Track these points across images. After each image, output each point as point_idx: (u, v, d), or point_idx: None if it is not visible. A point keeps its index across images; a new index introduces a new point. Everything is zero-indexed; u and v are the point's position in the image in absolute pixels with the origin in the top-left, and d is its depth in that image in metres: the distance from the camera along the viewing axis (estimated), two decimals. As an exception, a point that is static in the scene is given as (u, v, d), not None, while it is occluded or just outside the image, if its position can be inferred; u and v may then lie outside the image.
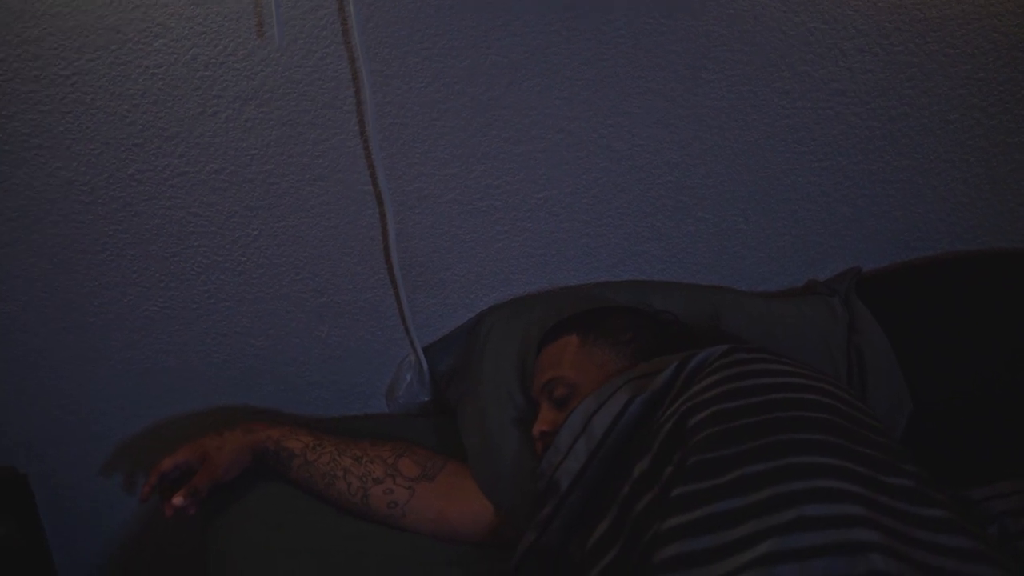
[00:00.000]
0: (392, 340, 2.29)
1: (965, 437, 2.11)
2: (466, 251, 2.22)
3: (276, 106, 1.99)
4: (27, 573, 2.31)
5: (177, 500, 1.93)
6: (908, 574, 1.41)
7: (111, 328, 2.16)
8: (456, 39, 1.99)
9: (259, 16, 1.93)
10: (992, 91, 2.24)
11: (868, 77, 2.17)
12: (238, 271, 2.15)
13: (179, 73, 1.94)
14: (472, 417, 2.14)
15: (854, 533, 1.45)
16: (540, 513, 1.81)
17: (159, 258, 2.11)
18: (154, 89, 1.94)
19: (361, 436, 2.14)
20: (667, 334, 2.05)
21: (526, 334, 2.16)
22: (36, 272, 2.08)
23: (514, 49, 2.02)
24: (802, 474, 1.52)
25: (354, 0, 1.92)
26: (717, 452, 1.58)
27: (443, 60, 2.01)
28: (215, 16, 1.92)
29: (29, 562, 2.28)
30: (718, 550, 1.48)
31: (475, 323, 2.26)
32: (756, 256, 2.32)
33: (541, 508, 1.82)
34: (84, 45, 1.88)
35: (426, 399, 2.35)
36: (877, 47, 2.14)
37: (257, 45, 1.92)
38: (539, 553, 1.81)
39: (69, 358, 2.18)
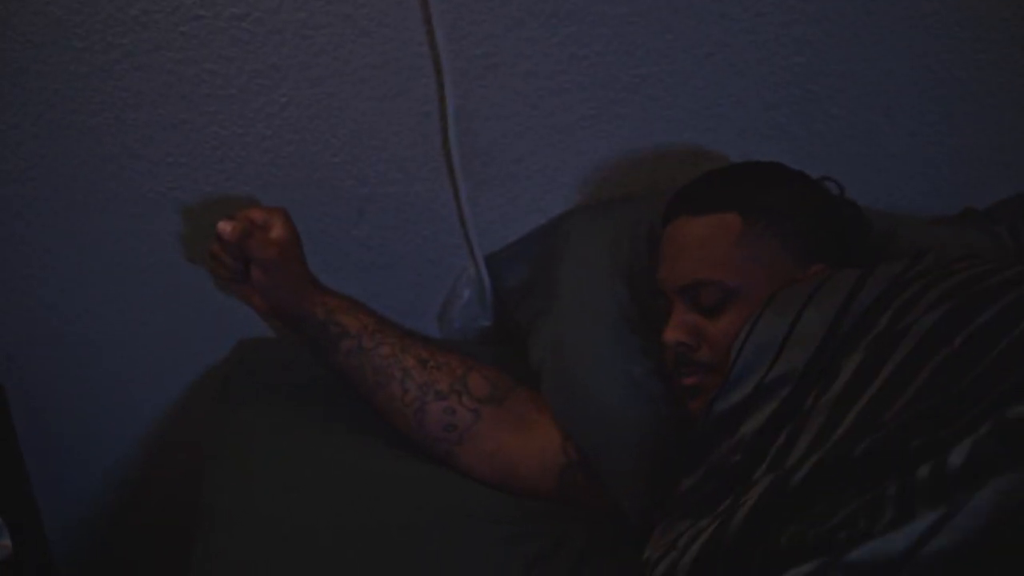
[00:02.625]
0: (447, 247, 2.06)
1: None
2: (542, 138, 1.98)
3: (312, -66, 1.76)
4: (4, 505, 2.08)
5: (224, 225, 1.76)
6: None
7: (106, 211, 1.96)
8: None
9: None
10: None
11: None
12: (262, 148, 1.93)
13: None
14: (549, 341, 1.88)
15: None
16: (739, 431, 1.50)
17: (166, 126, 1.89)
18: (162, -96, 1.71)
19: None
20: (848, 230, 1.74)
21: (616, 240, 1.90)
22: (17, 137, 1.87)
23: None
24: None
25: None
26: None
27: None
28: None
29: (6, 491, 2.07)
30: None
31: (551, 228, 2.02)
32: (900, 168, 2.08)
33: (732, 428, 1.51)
34: None
35: (487, 323, 2.13)
36: None
37: None
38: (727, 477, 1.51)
39: (55, 246, 1.99)
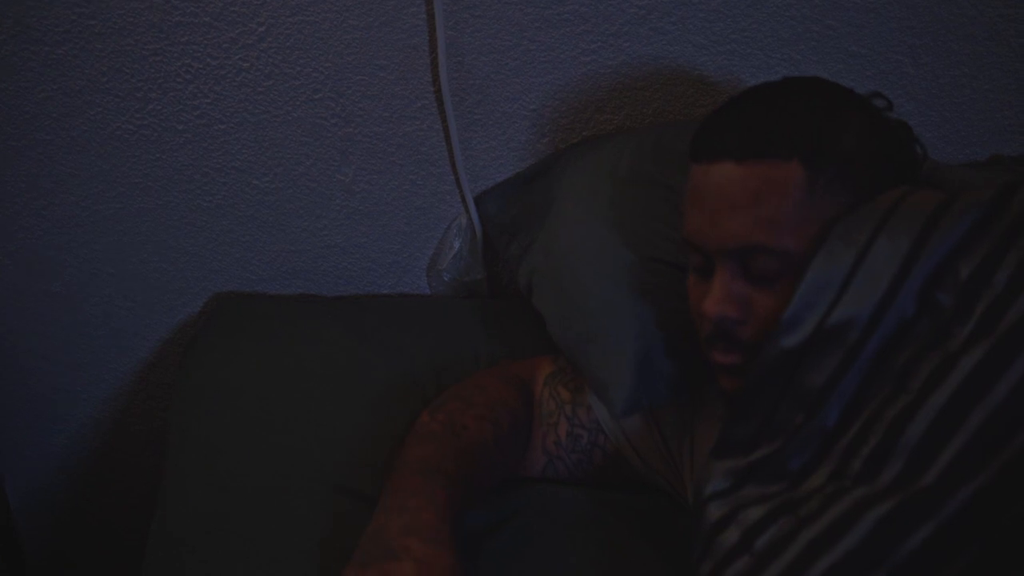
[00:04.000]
0: (437, 193, 1.98)
1: None
2: (540, 74, 1.89)
3: None
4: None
5: None
6: None
7: (72, 150, 1.90)
8: None
9: None
10: None
11: None
12: (238, 82, 1.86)
13: None
14: (541, 252, 1.82)
15: None
16: (801, 381, 1.36)
17: (135, 57, 1.82)
18: None
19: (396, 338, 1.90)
20: (908, 157, 1.54)
21: (615, 169, 1.78)
22: (-28, 68, 1.81)
23: None
24: None
25: None
26: None
27: None
28: None
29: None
30: None
31: (546, 161, 1.93)
32: (925, 113, 1.98)
33: (791, 375, 1.37)
34: None
35: (478, 276, 2.05)
36: None
37: None
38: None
39: (16, 189, 1.93)
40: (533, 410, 1.70)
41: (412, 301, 2.04)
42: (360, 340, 1.88)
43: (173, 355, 2.05)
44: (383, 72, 1.87)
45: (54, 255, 1.98)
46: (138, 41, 1.80)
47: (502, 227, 1.94)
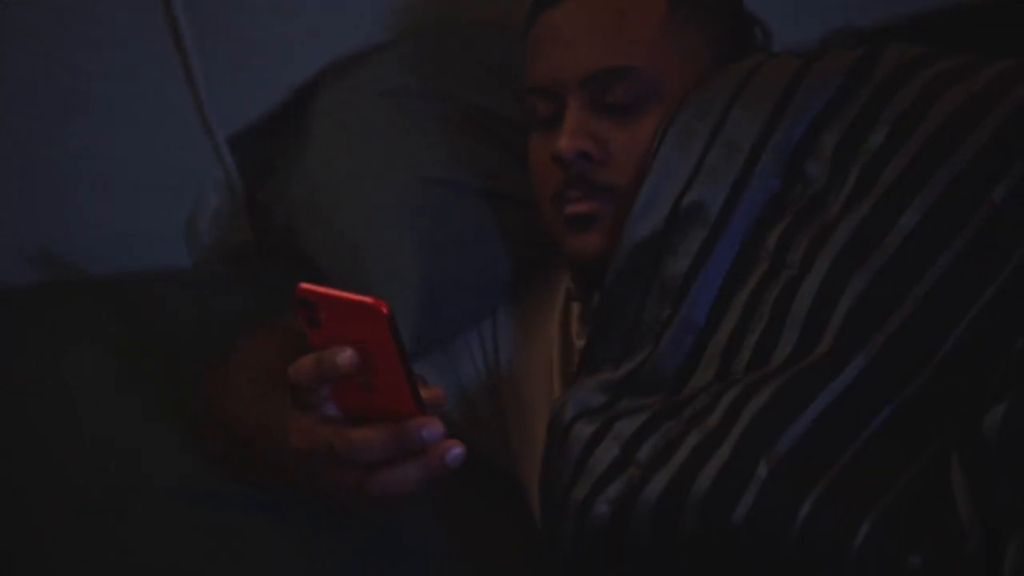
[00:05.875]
0: (185, 145, 1.90)
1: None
2: None
3: None
4: None
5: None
6: None
7: None
8: None
9: None
10: None
11: None
12: None
13: None
14: (305, 205, 1.77)
15: None
16: (661, 271, 1.35)
17: None
18: None
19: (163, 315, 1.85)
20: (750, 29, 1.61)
21: (377, 84, 1.76)
22: None
23: None
24: None
25: None
26: None
27: None
28: None
29: None
30: None
31: (301, 90, 1.88)
32: None
33: (651, 266, 1.36)
34: None
35: (244, 236, 1.99)
36: None
37: None
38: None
39: None
40: None
41: (173, 280, 1.97)
42: (120, 327, 1.80)
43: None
44: (108, 12, 1.78)
45: None
46: None
47: (260, 171, 1.91)
